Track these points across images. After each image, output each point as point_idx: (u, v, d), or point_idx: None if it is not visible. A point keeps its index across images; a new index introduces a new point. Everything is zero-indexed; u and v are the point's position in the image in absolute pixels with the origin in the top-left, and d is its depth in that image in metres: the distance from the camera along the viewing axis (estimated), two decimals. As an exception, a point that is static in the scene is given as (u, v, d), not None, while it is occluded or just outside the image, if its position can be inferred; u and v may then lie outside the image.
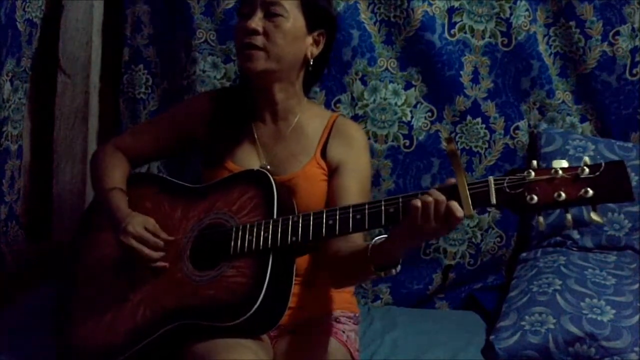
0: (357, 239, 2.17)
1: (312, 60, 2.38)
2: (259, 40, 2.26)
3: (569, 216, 1.74)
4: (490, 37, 3.12)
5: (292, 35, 2.31)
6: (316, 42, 2.38)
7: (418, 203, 1.80)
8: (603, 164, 1.70)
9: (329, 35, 2.42)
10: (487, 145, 3.15)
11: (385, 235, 1.97)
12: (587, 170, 1.70)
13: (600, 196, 1.69)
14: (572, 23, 3.12)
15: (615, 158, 3.02)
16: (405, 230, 1.87)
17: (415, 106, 3.13)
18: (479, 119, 3.14)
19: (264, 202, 2.17)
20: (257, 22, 2.26)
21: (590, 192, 1.68)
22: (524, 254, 3.15)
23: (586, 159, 1.73)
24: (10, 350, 2.49)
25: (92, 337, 2.25)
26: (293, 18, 2.30)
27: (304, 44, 2.35)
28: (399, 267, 1.97)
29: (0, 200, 2.88)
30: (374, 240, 1.98)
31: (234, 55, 3.06)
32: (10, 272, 2.96)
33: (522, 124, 3.18)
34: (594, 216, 1.70)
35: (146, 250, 2.21)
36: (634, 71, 3.14)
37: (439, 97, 3.14)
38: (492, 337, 2.66)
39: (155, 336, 2.12)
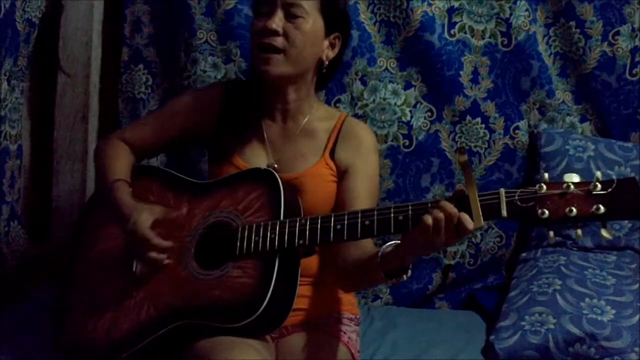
0: (367, 244, 2.17)
1: (326, 63, 2.39)
2: (279, 41, 2.25)
3: (579, 231, 1.74)
4: (490, 37, 3.13)
5: (312, 37, 2.30)
6: (332, 45, 2.38)
7: (429, 220, 1.79)
8: (615, 181, 1.70)
9: (344, 38, 2.42)
10: (486, 145, 3.16)
11: (395, 242, 1.96)
12: (599, 186, 1.70)
13: (612, 213, 1.69)
14: (572, 23, 3.13)
15: (616, 158, 3.05)
16: (415, 242, 1.86)
17: (414, 106, 3.14)
18: (478, 119, 3.14)
19: (270, 202, 2.16)
20: (277, 22, 2.24)
21: (602, 209, 1.68)
22: (524, 254, 3.15)
23: (598, 174, 1.72)
24: (11, 350, 2.49)
25: (95, 333, 2.23)
26: (313, 20, 2.28)
27: (321, 47, 2.35)
28: (409, 273, 1.97)
29: (1, 200, 2.87)
30: (383, 247, 1.97)
31: (234, 56, 3.07)
32: (10, 272, 2.95)
33: (522, 124, 3.19)
34: (605, 233, 1.71)
35: (152, 254, 2.19)
36: (634, 71, 3.15)
37: (439, 97, 3.14)
38: (492, 337, 2.66)
39: (159, 334, 2.11)
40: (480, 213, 1.77)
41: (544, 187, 1.74)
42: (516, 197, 1.77)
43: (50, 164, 3.22)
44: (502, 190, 1.79)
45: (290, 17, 2.26)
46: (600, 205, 1.68)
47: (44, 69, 3.17)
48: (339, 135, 2.40)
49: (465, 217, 1.78)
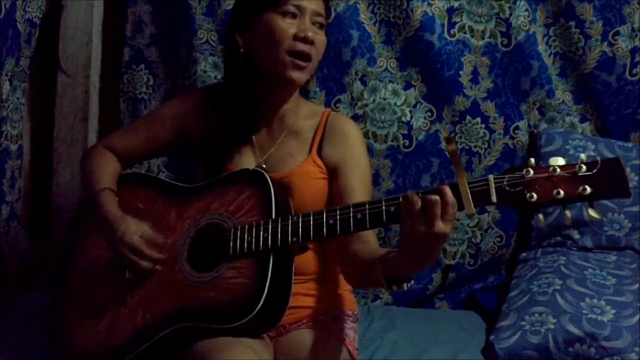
0: (373, 244, 2.16)
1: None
2: (313, 51, 2.25)
3: (567, 213, 1.73)
4: (489, 37, 3.14)
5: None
6: None
7: (415, 197, 1.77)
8: (599, 161, 1.70)
9: None
10: (486, 145, 3.17)
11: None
12: (584, 167, 1.70)
13: (598, 193, 1.69)
14: (572, 23, 3.14)
15: (615, 157, 3.03)
16: (410, 233, 1.80)
17: (414, 106, 3.15)
18: (478, 119, 3.15)
19: (261, 201, 2.15)
20: (312, 32, 2.24)
21: (589, 189, 1.68)
22: (524, 254, 3.15)
23: (582, 156, 1.72)
24: (11, 350, 2.49)
25: (90, 340, 2.22)
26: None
27: None
28: (411, 283, 1.94)
29: (1, 200, 2.88)
30: (387, 253, 1.96)
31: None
32: (11, 271, 2.95)
33: (522, 124, 3.19)
34: (593, 213, 1.71)
35: (143, 263, 2.18)
36: (634, 71, 3.15)
37: (439, 97, 3.15)
38: (492, 337, 2.66)
39: (156, 339, 2.10)
40: (471, 199, 1.77)
41: (531, 171, 1.74)
42: (505, 183, 1.76)
43: (50, 164, 3.23)
44: (491, 177, 1.78)
45: (315, 26, 2.27)
46: (587, 186, 1.68)
47: (44, 69, 3.19)
48: (324, 132, 2.39)
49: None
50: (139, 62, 3.21)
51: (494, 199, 1.77)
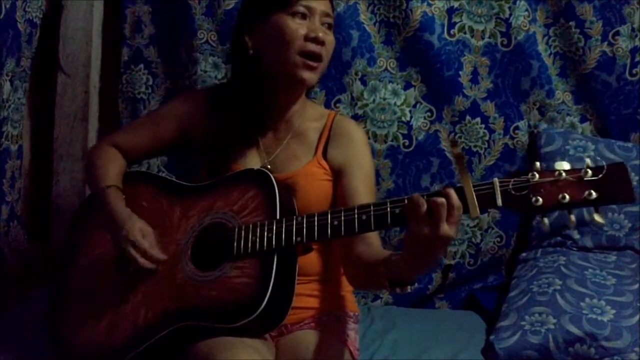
0: (377, 246, 2.16)
1: None
2: (324, 51, 2.27)
3: (572, 217, 1.73)
4: (489, 37, 3.13)
5: None
6: None
7: (421, 200, 1.77)
8: (605, 166, 1.70)
9: None
10: (486, 145, 3.16)
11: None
12: (590, 172, 1.69)
13: (604, 198, 1.69)
14: (572, 23, 3.13)
15: (616, 158, 3.03)
16: (416, 236, 1.79)
17: (414, 106, 3.14)
18: (478, 119, 3.15)
19: (265, 202, 2.15)
20: (322, 32, 2.25)
21: (594, 194, 1.67)
22: (524, 254, 3.15)
23: (588, 160, 1.72)
24: (11, 350, 2.49)
25: (91, 340, 2.22)
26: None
27: None
28: (415, 285, 1.95)
29: (1, 200, 2.87)
30: (390, 255, 1.95)
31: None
32: (11, 271, 2.95)
33: (522, 124, 3.19)
34: (597, 217, 1.70)
35: (144, 262, 2.18)
36: (634, 71, 3.15)
37: (438, 97, 3.15)
38: (492, 337, 2.65)
39: (157, 338, 2.10)
40: (476, 202, 1.76)
41: (537, 175, 1.73)
42: (510, 186, 1.76)
43: (50, 164, 3.22)
44: (496, 180, 1.78)
45: (324, 26, 2.29)
46: (592, 191, 1.68)
47: (44, 69, 3.18)
48: (330, 134, 2.40)
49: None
50: (137, 62, 3.21)
51: (499, 202, 1.76)
